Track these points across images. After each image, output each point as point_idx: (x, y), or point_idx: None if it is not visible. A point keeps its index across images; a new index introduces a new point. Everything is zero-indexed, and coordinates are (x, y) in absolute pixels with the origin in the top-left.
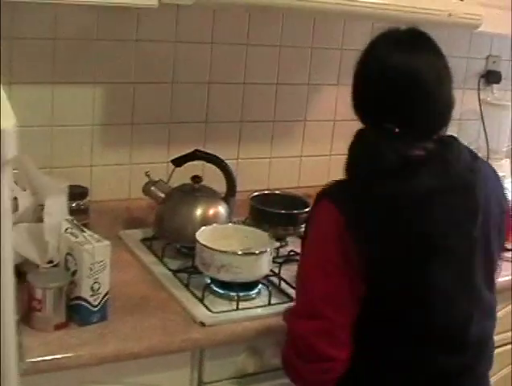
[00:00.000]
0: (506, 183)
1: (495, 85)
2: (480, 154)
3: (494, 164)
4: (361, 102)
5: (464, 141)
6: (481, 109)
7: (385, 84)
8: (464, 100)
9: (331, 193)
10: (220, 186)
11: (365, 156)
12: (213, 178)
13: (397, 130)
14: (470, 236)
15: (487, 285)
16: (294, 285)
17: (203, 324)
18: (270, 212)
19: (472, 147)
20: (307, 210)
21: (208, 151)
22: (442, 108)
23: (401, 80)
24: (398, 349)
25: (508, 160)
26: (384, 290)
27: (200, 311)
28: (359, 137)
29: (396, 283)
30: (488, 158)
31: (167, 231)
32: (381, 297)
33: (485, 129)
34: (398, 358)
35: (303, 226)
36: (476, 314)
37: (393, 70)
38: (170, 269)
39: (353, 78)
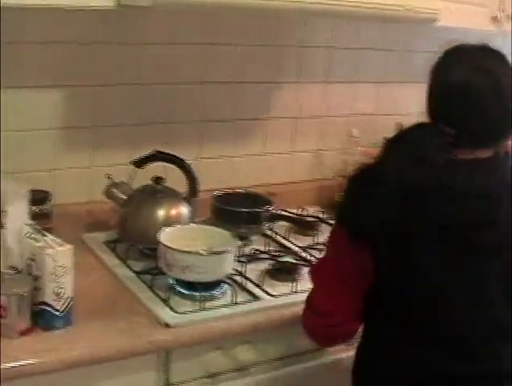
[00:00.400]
0: None
1: None
2: None
3: None
4: (430, 108)
5: None
6: None
7: (447, 94)
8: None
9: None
10: (183, 186)
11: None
12: (176, 179)
13: (451, 131)
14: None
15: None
16: (258, 284)
17: (168, 325)
18: (233, 211)
19: None
20: (269, 208)
21: (170, 152)
22: (495, 122)
23: (459, 92)
24: (402, 347)
25: None
26: None
27: (165, 312)
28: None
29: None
30: None
31: (129, 233)
32: None
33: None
34: (402, 355)
35: (266, 224)
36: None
37: (454, 82)
38: (134, 271)
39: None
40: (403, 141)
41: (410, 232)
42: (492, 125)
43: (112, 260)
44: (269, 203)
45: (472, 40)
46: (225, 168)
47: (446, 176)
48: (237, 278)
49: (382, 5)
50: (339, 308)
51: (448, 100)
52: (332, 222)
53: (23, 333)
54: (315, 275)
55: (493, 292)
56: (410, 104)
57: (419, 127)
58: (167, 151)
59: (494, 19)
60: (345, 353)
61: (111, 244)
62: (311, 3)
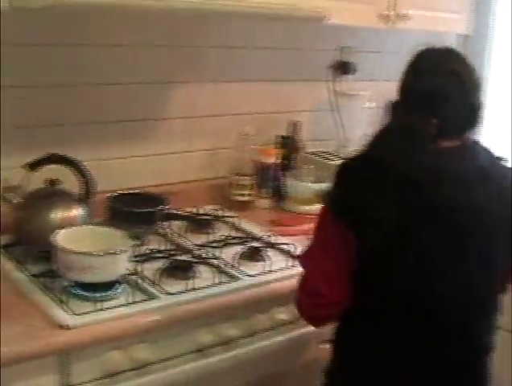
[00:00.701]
0: None
1: (347, 76)
2: (336, 144)
3: (349, 152)
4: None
5: (319, 131)
6: (335, 100)
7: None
8: (318, 91)
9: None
10: (78, 188)
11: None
12: (72, 181)
13: (434, 121)
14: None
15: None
16: (154, 283)
17: (66, 327)
18: (128, 212)
19: (326, 137)
20: (165, 207)
21: (66, 154)
22: (463, 117)
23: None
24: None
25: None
26: None
27: (63, 314)
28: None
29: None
30: (343, 146)
31: (25, 236)
32: None
33: (340, 119)
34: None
35: (161, 223)
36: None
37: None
38: (30, 275)
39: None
40: (393, 131)
41: (406, 217)
42: (460, 120)
43: (8, 265)
44: (164, 202)
45: None
46: (120, 169)
47: (433, 163)
48: (134, 278)
49: (271, 4)
50: (331, 288)
51: (425, 99)
52: (228, 219)
53: None
54: (305, 260)
55: (474, 270)
56: (303, 102)
57: (405, 118)
58: (61, 153)
59: (383, 17)
60: (246, 347)
61: (7, 248)
62: (203, 3)
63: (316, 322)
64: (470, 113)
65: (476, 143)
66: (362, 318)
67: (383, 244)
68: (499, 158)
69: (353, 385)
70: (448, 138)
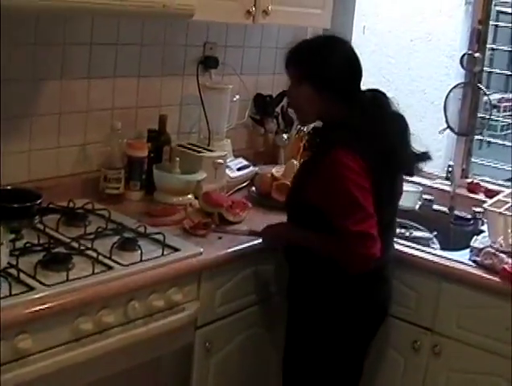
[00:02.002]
0: (228, 162)
1: (213, 70)
2: (202, 136)
3: (216, 144)
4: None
5: (187, 124)
6: (200, 94)
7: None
8: (185, 85)
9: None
10: None
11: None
12: None
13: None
14: None
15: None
16: (32, 275)
17: None
18: (3, 207)
19: (194, 130)
20: (39, 202)
21: None
22: None
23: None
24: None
25: (229, 140)
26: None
27: None
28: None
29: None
30: (209, 138)
31: None
32: None
33: (205, 113)
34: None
35: (36, 218)
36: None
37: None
38: None
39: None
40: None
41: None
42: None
43: None
44: (38, 197)
45: None
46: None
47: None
48: (12, 271)
49: (141, 2)
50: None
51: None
52: (101, 212)
53: None
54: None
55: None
56: (171, 96)
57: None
58: None
59: (248, 13)
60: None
61: None
62: (70, 2)
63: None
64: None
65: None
66: None
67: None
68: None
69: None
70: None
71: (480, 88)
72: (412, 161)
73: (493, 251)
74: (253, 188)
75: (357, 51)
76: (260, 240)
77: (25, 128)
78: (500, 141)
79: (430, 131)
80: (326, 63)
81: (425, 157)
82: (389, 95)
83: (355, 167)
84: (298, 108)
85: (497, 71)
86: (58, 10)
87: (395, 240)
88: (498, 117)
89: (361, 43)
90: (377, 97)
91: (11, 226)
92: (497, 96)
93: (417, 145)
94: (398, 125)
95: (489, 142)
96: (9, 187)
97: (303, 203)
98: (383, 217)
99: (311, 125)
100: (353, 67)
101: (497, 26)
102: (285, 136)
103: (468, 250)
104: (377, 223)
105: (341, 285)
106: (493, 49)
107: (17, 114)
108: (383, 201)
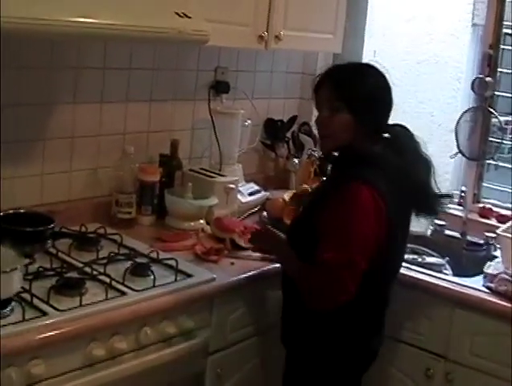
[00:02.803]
0: (240, 187)
1: (224, 95)
2: (213, 161)
3: (228, 169)
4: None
5: (198, 149)
6: (212, 118)
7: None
8: (196, 110)
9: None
10: None
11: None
12: None
13: None
14: None
15: None
16: (45, 300)
17: None
18: (16, 231)
19: (205, 154)
20: (51, 226)
21: None
22: None
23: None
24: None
25: (240, 165)
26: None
27: None
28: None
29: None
30: (221, 163)
31: None
32: None
33: (217, 137)
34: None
35: (49, 242)
36: None
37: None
38: None
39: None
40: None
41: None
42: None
43: None
44: (51, 221)
45: None
46: (5, 189)
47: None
48: (25, 295)
49: (156, 28)
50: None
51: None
52: (112, 237)
53: None
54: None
55: None
56: (183, 121)
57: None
58: None
59: (260, 38)
60: (134, 361)
61: None
62: (88, 28)
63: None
64: None
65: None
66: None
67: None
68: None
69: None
70: None
71: (491, 112)
72: (435, 201)
73: (508, 277)
74: (265, 213)
75: None
76: (264, 255)
77: (37, 151)
78: (508, 165)
79: (437, 154)
80: (366, 89)
81: (448, 197)
82: (415, 134)
83: (371, 206)
84: (329, 135)
85: (504, 94)
86: (72, 36)
87: (408, 265)
88: (504, 139)
89: None
90: (404, 134)
91: (23, 250)
92: (503, 118)
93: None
94: (422, 166)
95: (496, 165)
96: (22, 211)
97: (308, 230)
98: (394, 263)
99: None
100: (387, 97)
101: (503, 49)
102: (296, 161)
103: (481, 276)
104: (384, 270)
105: (335, 334)
106: (499, 72)
107: (29, 138)
108: (396, 245)
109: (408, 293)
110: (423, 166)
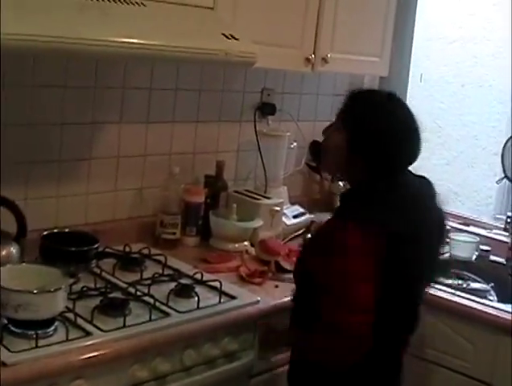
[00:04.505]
0: (285, 209)
1: (270, 117)
2: (258, 183)
3: (273, 191)
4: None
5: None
6: (257, 140)
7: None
8: (242, 132)
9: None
10: (12, 227)
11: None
12: (5, 220)
13: None
14: None
15: None
16: (89, 320)
17: (4, 364)
18: (61, 250)
19: (250, 176)
20: (96, 246)
21: (3, 193)
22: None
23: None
24: None
25: (285, 187)
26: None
27: (0, 352)
28: None
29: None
30: (266, 185)
31: None
32: None
33: (262, 159)
34: None
35: (93, 262)
36: None
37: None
38: None
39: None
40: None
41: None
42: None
43: None
44: (95, 241)
45: None
46: (51, 208)
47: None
48: (69, 315)
49: (203, 49)
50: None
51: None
52: (157, 257)
53: None
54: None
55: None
56: (229, 142)
57: None
58: None
59: (307, 61)
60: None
61: None
62: (141, 49)
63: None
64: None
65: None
66: None
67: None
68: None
69: None
70: None
71: None
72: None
73: None
74: (309, 236)
75: (412, 100)
76: None
77: (83, 171)
78: None
79: (481, 178)
80: (378, 127)
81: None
82: (436, 189)
83: (359, 246)
84: (326, 151)
85: None
86: (120, 57)
87: (452, 291)
88: None
89: (417, 92)
90: (424, 184)
91: (68, 269)
92: None
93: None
94: (435, 221)
95: None
96: (66, 230)
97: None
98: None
99: None
100: (403, 136)
101: None
102: (341, 183)
103: None
104: (392, 314)
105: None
106: None
107: (75, 157)
108: (396, 288)
109: (452, 318)
110: (437, 221)
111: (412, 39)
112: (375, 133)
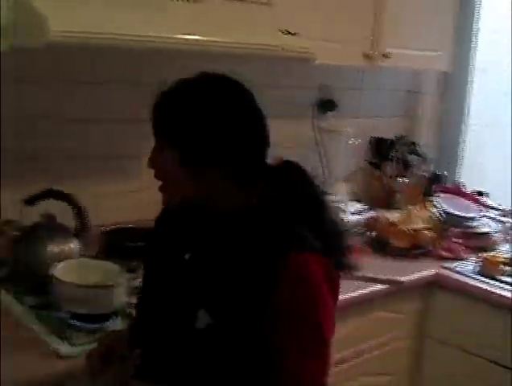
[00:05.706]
0: (344, 205)
1: (329, 113)
2: (320, 179)
3: (332, 187)
4: None
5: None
6: (316, 137)
7: None
8: (301, 128)
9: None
10: (73, 222)
11: None
12: (66, 215)
13: None
14: None
15: None
16: None
17: (64, 357)
18: (122, 245)
19: (312, 173)
20: None
21: (61, 188)
22: None
23: None
24: None
25: (345, 184)
26: None
27: (61, 345)
28: None
29: None
30: (326, 182)
31: (22, 269)
32: None
33: (322, 156)
34: None
35: None
36: None
37: None
38: (27, 306)
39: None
40: None
41: None
42: None
43: (5, 297)
44: None
45: None
46: (112, 204)
47: None
48: (129, 310)
49: (259, 44)
50: None
51: None
52: None
53: None
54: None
55: None
56: (287, 139)
57: None
58: (56, 188)
59: (366, 56)
60: None
61: (4, 281)
62: (193, 45)
63: None
64: None
65: None
66: None
67: None
68: None
69: None
70: None
71: None
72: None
73: None
74: (369, 233)
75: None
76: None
77: (135, 167)
78: None
79: None
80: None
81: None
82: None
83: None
84: (162, 177)
85: None
86: (178, 54)
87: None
88: None
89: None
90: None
91: (129, 265)
92: None
93: None
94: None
95: None
96: (127, 226)
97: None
98: None
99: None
100: (233, 125)
101: None
102: (401, 180)
103: None
104: None
105: None
106: None
107: (127, 154)
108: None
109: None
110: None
111: (477, 31)
112: (211, 135)
